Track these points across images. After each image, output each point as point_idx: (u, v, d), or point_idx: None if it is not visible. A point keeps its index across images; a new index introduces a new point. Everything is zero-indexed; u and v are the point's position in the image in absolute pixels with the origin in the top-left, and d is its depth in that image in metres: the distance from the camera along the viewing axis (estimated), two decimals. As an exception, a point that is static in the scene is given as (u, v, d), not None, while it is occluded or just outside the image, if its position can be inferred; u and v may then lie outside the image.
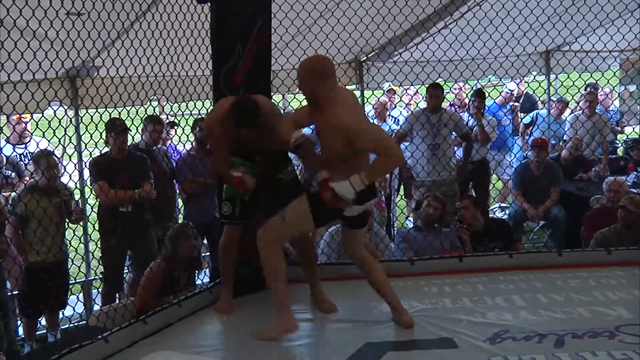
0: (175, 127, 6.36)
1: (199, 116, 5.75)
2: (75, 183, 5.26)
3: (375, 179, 3.49)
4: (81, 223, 5.25)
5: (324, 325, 3.84)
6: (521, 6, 5.24)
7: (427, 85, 6.24)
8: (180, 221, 5.73)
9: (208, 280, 5.43)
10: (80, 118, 5.09)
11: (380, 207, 6.05)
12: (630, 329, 3.42)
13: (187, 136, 5.58)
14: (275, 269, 3.55)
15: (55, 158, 4.96)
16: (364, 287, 4.14)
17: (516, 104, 7.76)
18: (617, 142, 7.95)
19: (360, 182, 3.28)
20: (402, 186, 7.02)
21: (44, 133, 4.04)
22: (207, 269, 5.88)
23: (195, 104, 5.41)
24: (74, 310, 4.93)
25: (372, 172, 3.34)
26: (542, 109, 7.93)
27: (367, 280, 3.73)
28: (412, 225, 5.76)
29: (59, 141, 4.82)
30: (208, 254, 5.83)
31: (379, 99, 7.67)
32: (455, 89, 8.15)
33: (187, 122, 5.65)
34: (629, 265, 4.40)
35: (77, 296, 4.67)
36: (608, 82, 6.47)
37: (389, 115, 7.78)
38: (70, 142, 4.65)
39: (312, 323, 3.87)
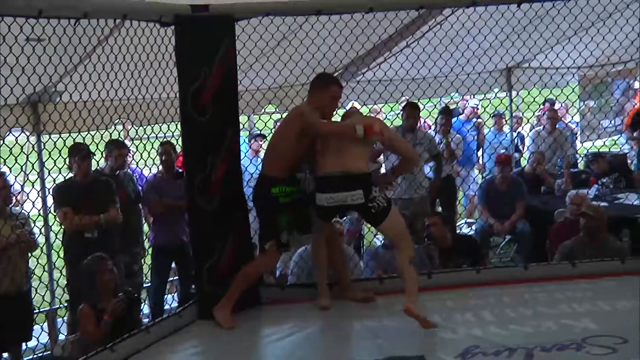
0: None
1: (164, 139, 5.71)
2: (39, 210, 5.16)
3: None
4: (44, 250, 5.14)
5: (296, 348, 3.81)
6: (481, 25, 5.34)
7: (402, 104, 6.30)
8: (146, 246, 5.67)
9: (177, 304, 5.38)
10: (42, 144, 5.02)
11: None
12: (597, 341, 3.47)
13: (153, 159, 5.53)
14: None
15: (7, 180, 4.82)
16: (336, 308, 4.17)
17: (480, 120, 7.89)
18: (578, 156, 8.12)
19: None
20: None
21: (4, 160, 3.97)
22: (176, 293, 5.83)
23: (160, 127, 5.37)
24: (38, 341, 4.82)
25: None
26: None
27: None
28: (380, 243, 5.78)
29: (21, 168, 4.74)
30: (176, 278, 5.78)
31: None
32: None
33: (152, 145, 5.61)
34: (593, 277, 4.48)
35: (42, 326, 4.57)
36: (567, 97, 6.62)
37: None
38: (33, 168, 4.57)
39: (284, 344, 3.84)
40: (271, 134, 4.66)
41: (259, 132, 7.24)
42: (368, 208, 3.82)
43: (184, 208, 4.48)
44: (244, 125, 7.29)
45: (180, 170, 5.15)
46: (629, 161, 7.47)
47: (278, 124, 4.96)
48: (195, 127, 4.16)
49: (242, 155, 5.42)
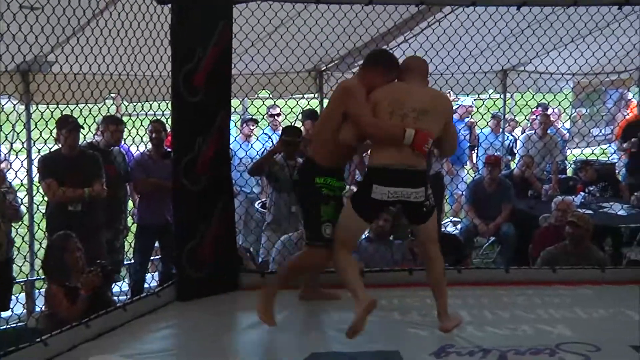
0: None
1: (154, 117, 5.67)
2: (21, 180, 5.12)
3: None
4: (25, 221, 5.11)
5: (271, 335, 3.81)
6: (479, 25, 5.33)
7: None
8: (129, 224, 5.64)
9: (156, 283, 5.36)
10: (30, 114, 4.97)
11: None
12: (570, 347, 3.49)
13: (141, 137, 5.49)
14: (344, 267, 3.61)
15: None
16: (315, 301, 4.16)
17: (472, 120, 7.89)
18: (567, 162, 8.16)
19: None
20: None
21: (-9, 128, 3.93)
22: (157, 273, 5.82)
23: (151, 105, 5.33)
24: (12, 312, 4.79)
25: None
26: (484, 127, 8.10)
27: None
28: (364, 237, 5.78)
29: (5, 137, 4.69)
30: (158, 257, 5.75)
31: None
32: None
33: (142, 123, 5.56)
34: (572, 284, 4.50)
35: (17, 297, 4.53)
36: (560, 104, 6.63)
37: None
38: (18, 138, 4.53)
39: (259, 331, 3.84)
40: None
41: (250, 117, 7.21)
42: (421, 206, 3.54)
43: (170, 188, 4.45)
44: (235, 109, 7.26)
45: (169, 149, 5.11)
46: (616, 171, 7.51)
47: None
48: (186, 108, 4.14)
49: (232, 139, 5.40)
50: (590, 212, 6.11)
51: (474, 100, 8.04)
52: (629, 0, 4.44)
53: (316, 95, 6.39)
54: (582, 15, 5.25)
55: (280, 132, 5.88)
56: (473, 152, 8.01)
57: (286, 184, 5.32)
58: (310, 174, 3.65)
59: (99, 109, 5.15)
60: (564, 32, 5.65)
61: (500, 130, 7.75)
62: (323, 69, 6.35)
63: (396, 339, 3.62)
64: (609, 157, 7.86)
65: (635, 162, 6.94)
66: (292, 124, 5.98)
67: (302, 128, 6.05)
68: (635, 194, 6.58)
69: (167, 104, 4.54)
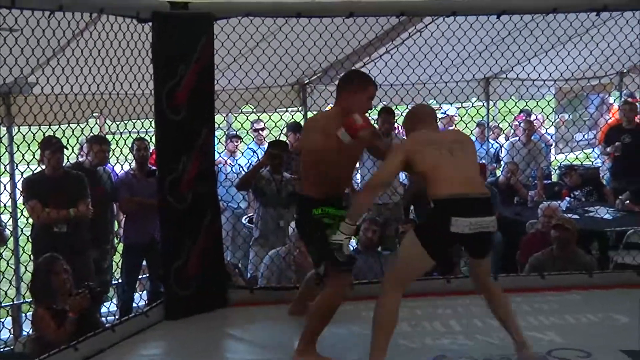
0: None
1: (138, 135, 5.64)
2: (4, 204, 5.07)
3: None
4: (9, 245, 5.05)
5: (261, 352, 3.78)
6: (460, 34, 5.36)
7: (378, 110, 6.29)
8: (115, 243, 5.60)
9: (145, 302, 5.31)
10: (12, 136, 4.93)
11: None
12: (561, 353, 3.50)
13: (125, 157, 5.46)
14: (387, 318, 3.36)
15: None
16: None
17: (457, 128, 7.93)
18: (552, 168, 8.20)
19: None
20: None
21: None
22: (145, 292, 5.76)
23: (134, 123, 5.30)
24: (-1, 337, 4.73)
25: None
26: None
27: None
28: (352, 248, 5.77)
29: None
30: (146, 275, 5.71)
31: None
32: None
33: (125, 142, 5.53)
34: (561, 290, 4.51)
35: (3, 322, 4.48)
36: (542, 110, 6.68)
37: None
38: (0, 161, 4.49)
39: (249, 347, 3.81)
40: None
41: (235, 132, 7.20)
42: (491, 236, 3.32)
43: (155, 206, 4.42)
44: (219, 125, 7.25)
45: (153, 168, 5.09)
46: (601, 175, 7.56)
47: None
48: (169, 126, 4.13)
49: (217, 155, 5.39)
50: (576, 216, 6.14)
51: (457, 109, 8.09)
52: (606, 6, 4.49)
53: (300, 109, 6.39)
54: (561, 23, 5.30)
55: (265, 146, 5.88)
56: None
57: (273, 198, 5.30)
58: (306, 209, 3.51)
59: (82, 129, 5.12)
60: (544, 39, 5.71)
61: (484, 138, 7.79)
62: (306, 82, 6.36)
63: (387, 352, 3.60)
64: (592, 162, 7.92)
65: (618, 166, 6.99)
66: (277, 138, 5.98)
67: (287, 141, 6.05)
68: (620, 197, 6.61)
69: (151, 122, 4.52)
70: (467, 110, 7.75)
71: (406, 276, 3.36)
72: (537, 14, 4.97)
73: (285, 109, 6.34)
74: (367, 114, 3.66)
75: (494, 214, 3.31)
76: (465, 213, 3.15)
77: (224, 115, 6.51)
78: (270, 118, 6.54)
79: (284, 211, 5.33)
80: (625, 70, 7.61)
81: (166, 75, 4.04)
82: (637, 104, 7.36)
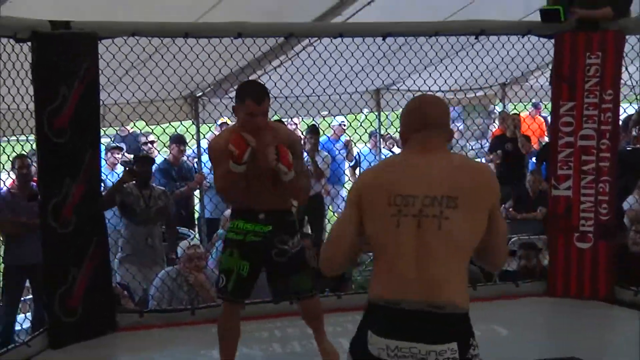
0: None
1: (22, 152, 5.39)
2: None
3: None
4: None
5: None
6: (353, 48, 5.46)
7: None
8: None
9: (30, 324, 5.09)
10: None
11: None
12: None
13: (8, 173, 5.22)
14: None
15: None
16: (191, 333, 4.11)
17: (348, 138, 8.07)
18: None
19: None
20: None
21: None
22: (29, 313, 5.53)
23: (17, 138, 5.06)
24: None
25: None
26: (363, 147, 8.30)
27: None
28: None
29: None
30: (30, 297, 5.48)
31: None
32: (290, 124, 8.31)
33: (8, 157, 5.28)
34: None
35: None
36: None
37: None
38: None
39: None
40: None
41: (116, 145, 7.02)
42: None
43: (37, 225, 4.25)
44: (113, 140, 7.09)
45: (36, 187, 4.88)
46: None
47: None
48: (52, 149, 3.98)
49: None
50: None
51: (346, 115, 8.22)
52: (483, 30, 4.72)
53: (193, 122, 6.34)
54: (448, 38, 5.50)
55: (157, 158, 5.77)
56: (356, 170, 8.15)
57: (142, 215, 5.23)
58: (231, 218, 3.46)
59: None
60: (433, 53, 5.88)
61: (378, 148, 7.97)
62: (199, 95, 6.29)
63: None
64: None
65: (500, 173, 7.27)
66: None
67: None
68: (504, 205, 6.89)
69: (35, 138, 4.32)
70: (356, 118, 7.85)
71: None
72: (419, 36, 5.16)
73: (179, 122, 6.26)
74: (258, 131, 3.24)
75: (447, 340, 2.07)
76: (386, 330, 2.12)
77: (116, 128, 6.33)
78: (164, 131, 6.42)
79: (153, 227, 5.31)
80: (507, 82, 7.99)
81: (47, 97, 3.89)
82: (517, 113, 7.72)
